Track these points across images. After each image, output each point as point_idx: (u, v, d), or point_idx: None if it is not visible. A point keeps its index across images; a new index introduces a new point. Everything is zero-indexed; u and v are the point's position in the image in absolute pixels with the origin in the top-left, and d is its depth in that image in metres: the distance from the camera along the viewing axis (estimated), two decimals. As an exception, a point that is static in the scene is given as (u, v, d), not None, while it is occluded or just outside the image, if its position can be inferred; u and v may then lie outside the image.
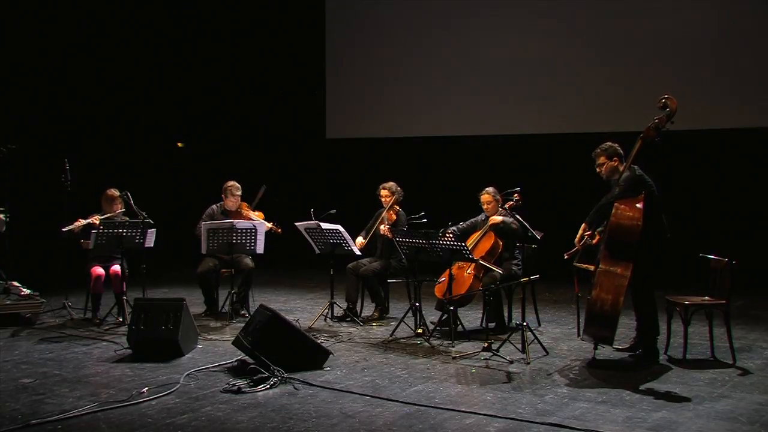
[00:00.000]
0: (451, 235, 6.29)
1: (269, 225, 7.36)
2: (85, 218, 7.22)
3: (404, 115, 11.37)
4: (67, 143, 9.71)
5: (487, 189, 6.97)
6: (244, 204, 7.65)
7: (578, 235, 5.85)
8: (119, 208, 7.36)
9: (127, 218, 7.38)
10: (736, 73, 9.45)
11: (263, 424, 4.33)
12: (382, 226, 7.32)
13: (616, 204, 5.55)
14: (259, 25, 12.21)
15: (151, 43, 11.54)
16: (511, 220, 6.55)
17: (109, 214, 7.31)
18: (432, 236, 6.27)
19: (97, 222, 7.14)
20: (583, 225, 5.85)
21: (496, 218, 6.78)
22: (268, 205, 7.79)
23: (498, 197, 6.88)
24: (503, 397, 4.83)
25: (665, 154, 9.02)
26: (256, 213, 7.58)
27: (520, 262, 6.69)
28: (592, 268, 5.71)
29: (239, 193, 7.61)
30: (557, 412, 4.51)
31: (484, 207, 6.96)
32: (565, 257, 5.95)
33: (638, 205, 5.49)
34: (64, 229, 7.14)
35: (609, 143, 5.91)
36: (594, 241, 5.82)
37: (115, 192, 7.39)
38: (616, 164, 5.82)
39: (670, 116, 5.68)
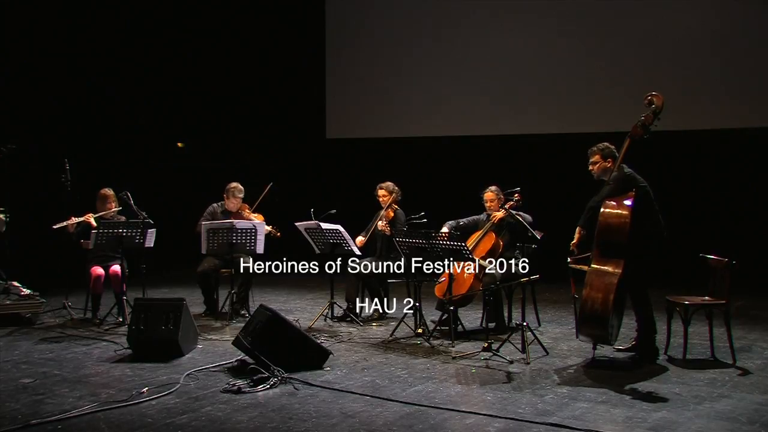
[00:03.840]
0: (446, 235, 6.30)
1: (269, 228, 7.37)
2: (79, 217, 7.23)
3: (404, 115, 11.36)
4: (67, 143, 9.71)
5: (490, 187, 7.01)
6: (245, 206, 7.66)
7: (575, 239, 5.85)
8: (113, 207, 7.36)
9: (123, 217, 7.39)
10: (735, 73, 9.45)
11: (263, 424, 4.33)
12: (380, 222, 7.34)
13: (604, 203, 5.55)
14: (259, 24, 12.20)
15: (151, 43, 11.52)
16: (515, 213, 6.58)
17: (102, 213, 7.32)
18: (432, 236, 6.27)
19: (92, 221, 7.16)
20: (577, 228, 5.85)
21: (499, 213, 6.79)
22: (270, 209, 7.79)
23: (501, 196, 6.91)
24: (503, 397, 4.83)
25: (665, 154, 9.08)
26: (256, 215, 7.59)
27: (524, 261, 6.64)
28: (586, 268, 5.71)
29: (241, 195, 7.61)
30: (557, 412, 4.51)
31: (487, 204, 6.98)
32: (569, 264, 5.94)
33: (626, 203, 5.49)
34: (55, 227, 7.14)
35: (606, 144, 5.90)
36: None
37: (109, 191, 7.40)
38: (609, 165, 5.81)
39: (657, 113, 5.67)
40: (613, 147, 5.88)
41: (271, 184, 7.61)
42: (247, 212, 7.59)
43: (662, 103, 5.67)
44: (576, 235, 5.84)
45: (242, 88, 12.29)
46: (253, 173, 7.82)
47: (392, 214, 7.40)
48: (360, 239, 7.42)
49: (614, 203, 5.53)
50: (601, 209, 5.53)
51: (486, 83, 10.78)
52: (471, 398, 4.90)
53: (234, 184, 7.65)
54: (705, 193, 9.76)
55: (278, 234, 7.43)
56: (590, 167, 5.92)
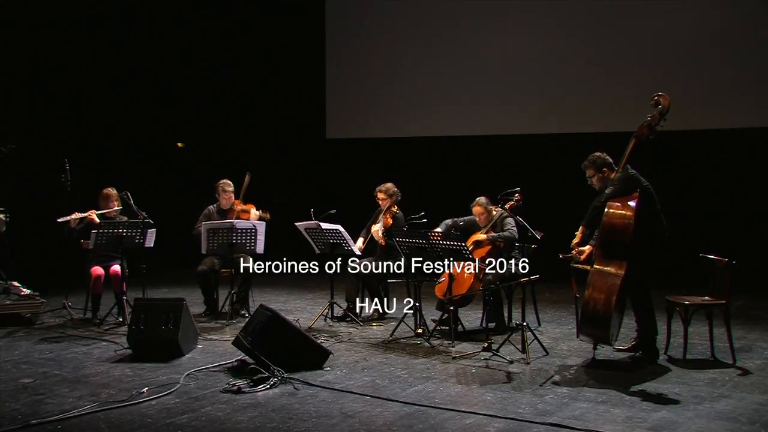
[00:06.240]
0: (440, 235, 6.30)
1: (258, 213, 7.48)
2: (82, 213, 7.24)
3: (404, 115, 11.36)
4: (67, 143, 9.71)
5: (478, 200, 6.88)
6: (237, 201, 7.69)
7: (576, 238, 5.84)
8: (115, 205, 7.38)
9: (125, 217, 7.40)
10: (735, 73, 9.46)
11: (263, 424, 4.34)
12: (374, 227, 7.34)
13: (608, 203, 5.54)
14: (259, 24, 12.20)
15: (151, 43, 11.52)
16: (497, 236, 6.58)
17: (105, 211, 7.32)
18: (428, 236, 6.27)
19: (95, 217, 7.16)
20: (580, 228, 5.84)
21: (481, 236, 6.75)
22: (262, 199, 7.80)
23: (490, 207, 6.83)
24: (503, 397, 4.83)
25: (665, 154, 9.08)
26: (248, 205, 7.62)
27: (524, 261, 6.61)
28: (589, 268, 5.71)
29: (231, 189, 7.68)
30: (557, 412, 4.51)
31: (477, 219, 6.92)
32: (560, 257, 5.94)
33: (631, 204, 5.49)
34: (59, 220, 7.16)
35: (597, 154, 5.88)
36: (582, 257, 5.78)
37: (112, 190, 7.42)
38: (606, 174, 5.80)
39: (663, 113, 5.66)
40: (605, 155, 5.86)
41: (249, 174, 7.66)
42: (239, 206, 7.62)
43: (669, 103, 5.66)
44: (578, 234, 5.83)
45: (242, 88, 12.29)
46: (252, 173, 7.80)
47: (390, 222, 7.37)
48: (359, 245, 7.42)
49: (619, 204, 5.52)
50: (606, 210, 5.52)
51: (486, 83, 10.78)
52: (471, 398, 4.90)
53: (222, 181, 7.72)
54: (705, 193, 9.76)
55: (268, 216, 7.46)
56: (588, 182, 5.92)
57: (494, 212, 6.84)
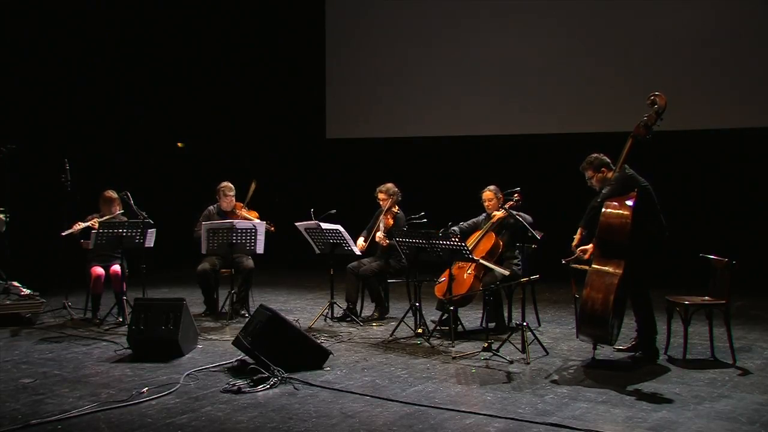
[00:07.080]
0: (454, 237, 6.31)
1: (263, 223, 7.42)
2: (83, 221, 7.23)
3: (404, 115, 11.36)
4: (67, 143, 9.70)
5: (489, 186, 7.01)
6: (239, 204, 7.68)
7: (576, 240, 5.84)
8: (117, 210, 7.36)
9: (125, 217, 7.39)
10: (736, 73, 9.45)
11: (263, 424, 4.34)
12: (378, 234, 7.35)
13: (605, 203, 5.55)
14: (259, 24, 12.21)
15: (151, 43, 11.53)
16: (515, 212, 6.61)
17: (107, 217, 7.31)
18: (432, 236, 6.28)
19: (96, 225, 7.15)
20: (579, 229, 5.84)
21: (499, 213, 6.80)
22: (264, 204, 7.80)
23: (500, 195, 6.92)
24: (503, 397, 4.83)
25: (665, 154, 9.08)
26: (252, 213, 7.62)
27: (520, 262, 6.68)
28: (587, 268, 5.70)
29: (232, 193, 7.65)
30: (557, 412, 4.51)
31: (485, 204, 6.97)
32: (563, 262, 5.93)
33: (628, 203, 5.49)
34: (63, 234, 7.15)
35: (594, 155, 5.90)
36: (586, 256, 5.77)
37: (113, 194, 7.39)
38: (604, 174, 5.81)
39: (660, 113, 5.67)
40: (602, 156, 5.87)
41: (255, 181, 7.65)
42: (241, 210, 7.61)
43: (665, 103, 5.66)
44: (577, 235, 5.83)
45: (242, 88, 12.29)
46: (253, 173, 7.81)
47: (391, 222, 7.37)
48: (361, 243, 7.41)
49: (616, 203, 5.52)
50: (603, 209, 5.53)
51: (486, 83, 10.78)
52: (471, 398, 4.90)
53: (224, 184, 7.70)
54: (705, 193, 9.76)
55: (272, 228, 7.45)
56: (588, 183, 5.92)
57: (497, 213, 6.86)
